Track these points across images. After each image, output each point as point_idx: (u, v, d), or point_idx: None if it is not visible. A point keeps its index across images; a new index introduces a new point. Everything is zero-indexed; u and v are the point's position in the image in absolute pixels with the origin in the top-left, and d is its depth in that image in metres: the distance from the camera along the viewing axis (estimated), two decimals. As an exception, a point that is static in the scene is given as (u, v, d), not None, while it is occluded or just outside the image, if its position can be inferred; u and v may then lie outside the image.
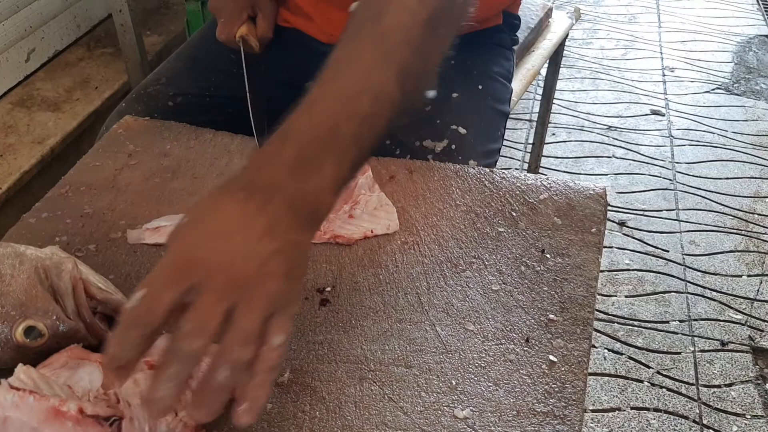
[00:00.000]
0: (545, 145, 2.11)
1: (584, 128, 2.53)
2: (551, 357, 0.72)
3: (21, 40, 2.14)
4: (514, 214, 0.88)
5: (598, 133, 2.50)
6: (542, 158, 2.12)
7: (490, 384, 0.70)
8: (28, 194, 1.90)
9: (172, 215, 0.87)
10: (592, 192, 0.90)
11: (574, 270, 0.81)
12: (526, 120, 2.54)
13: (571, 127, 2.53)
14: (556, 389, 0.70)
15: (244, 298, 0.53)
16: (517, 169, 2.32)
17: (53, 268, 0.69)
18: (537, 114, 2.25)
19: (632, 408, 1.63)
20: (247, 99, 1.02)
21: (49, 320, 0.67)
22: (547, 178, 0.92)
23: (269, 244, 0.55)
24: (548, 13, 1.64)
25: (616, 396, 1.65)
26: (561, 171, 2.32)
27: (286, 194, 0.58)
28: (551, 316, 0.76)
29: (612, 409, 1.62)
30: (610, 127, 2.54)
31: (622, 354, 1.74)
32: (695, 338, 1.80)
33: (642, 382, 1.68)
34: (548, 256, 0.83)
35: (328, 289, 0.79)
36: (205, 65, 1.16)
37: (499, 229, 0.86)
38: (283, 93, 0.97)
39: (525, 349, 0.73)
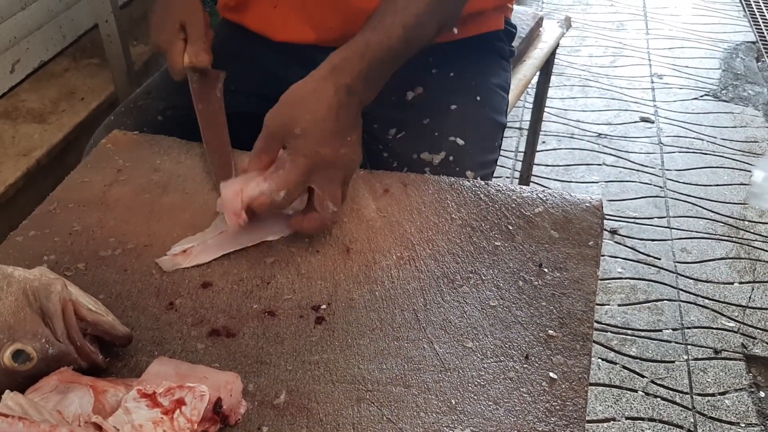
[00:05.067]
0: (535, 153, 2.10)
1: (574, 136, 2.53)
2: (551, 374, 0.71)
3: (6, 51, 2.11)
4: (511, 227, 0.87)
5: (588, 141, 2.50)
6: (533, 166, 2.12)
7: (490, 403, 0.68)
8: (14, 208, 1.87)
9: (193, 236, 0.85)
10: (588, 204, 0.90)
11: (572, 284, 0.80)
12: (516, 128, 2.54)
13: (561, 134, 2.53)
14: (557, 407, 0.68)
15: (337, 172, 0.83)
16: (508, 177, 2.31)
17: (42, 289, 0.67)
18: (527, 122, 2.25)
19: (627, 418, 1.62)
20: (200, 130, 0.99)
21: (38, 343, 0.65)
22: (543, 191, 0.91)
23: (352, 134, 0.85)
24: (539, 23, 1.64)
25: (611, 406, 1.64)
26: (552, 179, 2.32)
27: (357, 97, 0.85)
28: (550, 331, 0.75)
29: (607, 420, 1.61)
30: (600, 134, 2.54)
31: (616, 363, 1.73)
32: (688, 346, 1.79)
33: (636, 391, 1.67)
34: (546, 270, 0.82)
35: (324, 306, 0.78)
36: None
37: (496, 243, 0.85)
38: (256, 100, 0.99)
39: (525, 366, 0.72)
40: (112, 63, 2.20)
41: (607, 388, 1.68)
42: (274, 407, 0.67)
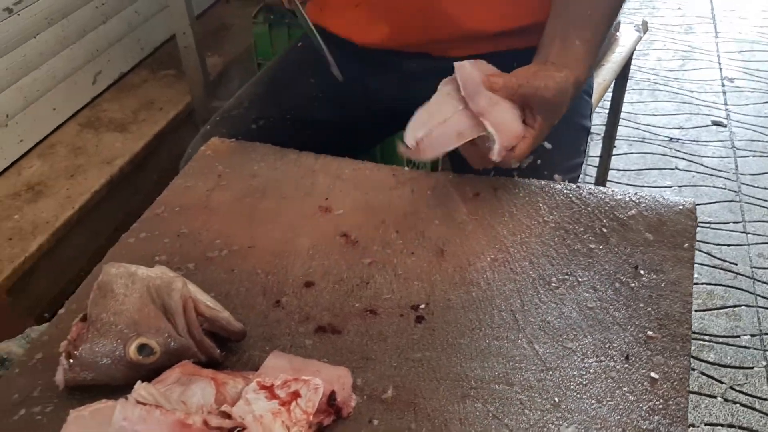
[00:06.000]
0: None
1: (645, 140, 2.50)
2: (652, 374, 0.72)
3: (88, 63, 2.20)
4: (605, 230, 0.88)
5: (659, 145, 2.47)
6: (609, 171, 2.11)
7: (593, 401, 0.70)
8: (98, 213, 1.95)
9: (421, 116, 0.89)
10: (681, 207, 0.90)
11: (669, 286, 0.81)
12: (586, 133, 2.52)
13: (632, 139, 2.51)
14: (660, 406, 0.69)
15: None
16: (579, 183, 2.30)
17: (164, 287, 0.71)
18: (597, 126, 2.24)
19: (706, 424, 1.60)
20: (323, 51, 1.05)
21: (161, 338, 0.69)
22: (635, 194, 0.92)
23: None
24: (616, 27, 1.64)
25: (690, 412, 1.62)
26: (624, 184, 2.30)
27: (561, 114, 0.95)
28: (649, 332, 0.76)
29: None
30: (672, 138, 2.51)
31: (694, 369, 1.71)
32: (767, 353, 1.76)
33: (715, 397, 1.65)
34: (642, 272, 0.82)
35: (423, 306, 0.80)
36: (286, 89, 1.18)
37: (591, 246, 0.86)
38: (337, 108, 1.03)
39: (625, 366, 0.73)
40: (188, 74, 2.27)
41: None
42: (383, 402, 0.70)
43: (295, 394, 0.66)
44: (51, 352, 0.75)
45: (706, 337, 1.79)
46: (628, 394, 0.70)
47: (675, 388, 0.71)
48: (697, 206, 2.19)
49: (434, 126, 0.88)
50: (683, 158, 2.41)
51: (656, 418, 0.68)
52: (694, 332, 1.80)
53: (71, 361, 0.69)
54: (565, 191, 0.93)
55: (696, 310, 1.86)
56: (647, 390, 0.71)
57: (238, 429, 0.60)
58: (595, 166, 2.17)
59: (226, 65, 2.47)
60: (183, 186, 0.98)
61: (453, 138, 0.88)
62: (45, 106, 2.07)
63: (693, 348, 1.74)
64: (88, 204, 1.92)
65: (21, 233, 1.78)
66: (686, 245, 0.85)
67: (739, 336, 1.80)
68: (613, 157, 2.35)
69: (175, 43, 2.24)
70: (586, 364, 0.73)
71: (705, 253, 2.03)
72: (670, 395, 0.70)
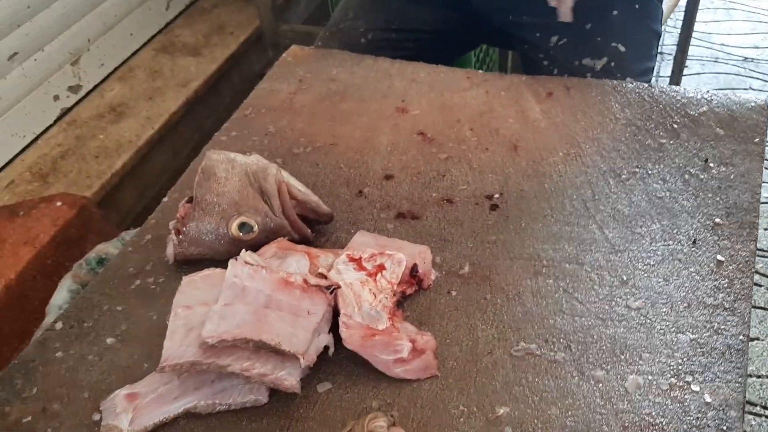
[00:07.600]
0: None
1: (719, 60, 2.44)
2: (718, 257, 0.75)
3: (162, -11, 2.27)
4: (676, 126, 0.90)
5: (733, 65, 2.41)
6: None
7: (659, 280, 0.74)
8: (176, 133, 2.04)
9: None
10: (754, 104, 0.91)
11: (738, 178, 0.83)
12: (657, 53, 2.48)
13: (705, 59, 2.45)
14: (725, 285, 0.73)
15: None
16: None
17: (260, 172, 0.78)
18: (668, 47, 2.20)
19: (771, 338, 1.61)
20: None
21: (260, 217, 0.76)
22: (707, 92, 0.93)
23: None
24: (691, -63, 1.60)
25: (756, 327, 1.64)
26: (693, 105, 2.26)
27: None
28: (717, 220, 0.79)
29: (752, 339, 1.61)
30: (746, 58, 2.44)
31: (761, 286, 1.72)
32: (838, 272, 1.75)
33: (782, 313, 1.66)
34: (711, 165, 0.85)
35: (497, 195, 0.85)
36: None
37: (661, 141, 0.88)
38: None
39: (692, 249, 0.76)
40: (258, -1, 2.32)
41: (753, 309, 1.67)
42: (460, 276, 0.75)
43: (381, 267, 0.72)
44: (159, 233, 0.82)
45: (775, 254, 1.79)
46: (694, 274, 0.74)
47: (740, 270, 0.74)
48: (771, 124, 2.12)
49: None
50: (758, 78, 2.35)
51: (721, 295, 0.72)
52: (764, 250, 1.80)
53: (180, 237, 0.76)
54: (637, 90, 0.95)
55: (765, 229, 1.85)
56: (713, 271, 0.74)
57: (333, 287, 0.67)
58: (665, 87, 2.15)
59: (294, -11, 2.50)
60: (268, 90, 1.04)
61: None
62: (122, 31, 2.15)
63: (761, 265, 1.75)
64: (167, 124, 2.01)
65: (106, 151, 1.88)
66: (757, 140, 0.87)
67: (809, 254, 1.79)
68: (685, 78, 2.31)
69: (244, -33, 2.28)
70: (654, 247, 0.77)
71: (777, 172, 2.01)
72: (735, 276, 0.74)
